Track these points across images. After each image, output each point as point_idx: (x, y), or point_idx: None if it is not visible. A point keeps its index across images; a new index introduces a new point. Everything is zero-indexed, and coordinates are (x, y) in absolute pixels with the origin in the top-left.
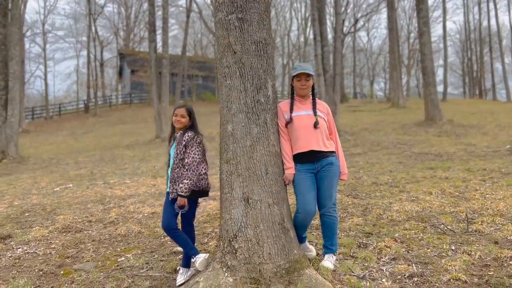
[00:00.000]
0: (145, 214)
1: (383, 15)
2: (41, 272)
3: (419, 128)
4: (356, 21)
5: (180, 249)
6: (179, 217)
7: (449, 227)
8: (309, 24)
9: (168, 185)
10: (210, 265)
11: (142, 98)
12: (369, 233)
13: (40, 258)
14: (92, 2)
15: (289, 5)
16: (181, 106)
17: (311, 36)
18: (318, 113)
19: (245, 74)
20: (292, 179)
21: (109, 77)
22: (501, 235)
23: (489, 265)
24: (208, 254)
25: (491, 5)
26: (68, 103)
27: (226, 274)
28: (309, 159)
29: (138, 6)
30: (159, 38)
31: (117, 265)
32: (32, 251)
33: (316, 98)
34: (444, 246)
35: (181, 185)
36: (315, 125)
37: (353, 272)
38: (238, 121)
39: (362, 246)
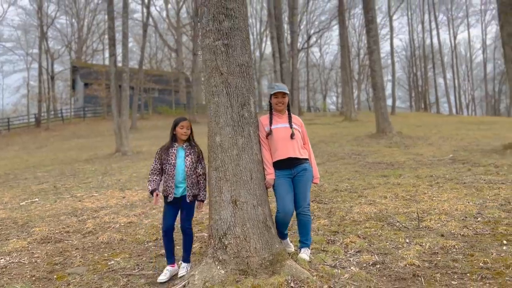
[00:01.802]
0: (122, 224)
1: (335, 32)
2: (33, 278)
3: (371, 140)
4: (309, 37)
5: None
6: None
7: (403, 224)
8: (264, 39)
9: (161, 190)
10: (203, 260)
11: (96, 112)
12: (335, 232)
13: (27, 266)
14: (44, 14)
15: None
16: (184, 118)
17: (267, 51)
18: (294, 126)
19: (231, 92)
20: (272, 183)
21: (60, 91)
22: (446, 229)
23: (437, 252)
24: (176, 268)
25: (433, 24)
26: (17, 117)
27: (218, 267)
28: (287, 166)
29: (91, 18)
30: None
31: (109, 268)
32: (16, 260)
33: (292, 114)
34: (400, 239)
35: (203, 193)
36: (292, 136)
37: (326, 262)
38: (225, 133)
39: (330, 242)
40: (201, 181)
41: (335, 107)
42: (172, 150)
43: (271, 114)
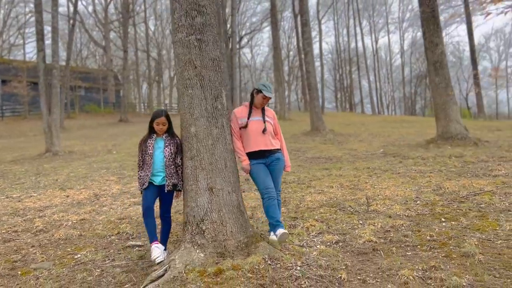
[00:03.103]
0: (74, 221)
1: (265, 34)
2: None
3: (307, 137)
4: (241, 38)
5: (133, 243)
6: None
7: (354, 209)
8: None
9: (145, 179)
10: (182, 245)
11: (16, 110)
12: (295, 218)
13: None
14: None
15: None
16: (160, 114)
17: None
18: (266, 118)
19: (205, 85)
20: (249, 169)
21: None
22: (392, 212)
23: (389, 230)
24: (166, 251)
25: (358, 29)
26: None
27: (197, 251)
28: (260, 156)
29: (7, 11)
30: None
31: (76, 261)
32: None
33: (265, 107)
34: (354, 221)
35: (180, 182)
36: (264, 131)
37: (294, 243)
38: (200, 124)
39: (292, 226)
40: (180, 172)
41: None
42: (150, 141)
43: (251, 107)
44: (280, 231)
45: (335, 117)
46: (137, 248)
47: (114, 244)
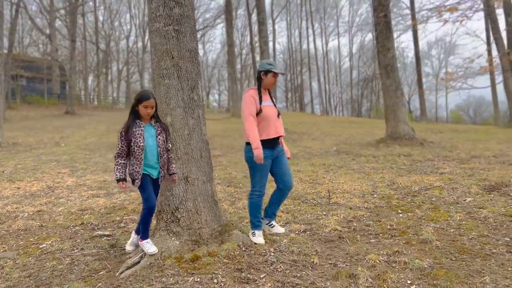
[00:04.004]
0: (31, 213)
1: (218, 30)
2: None
3: None
4: None
5: (101, 232)
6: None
7: (316, 201)
8: (147, 31)
9: (141, 169)
10: (156, 233)
11: None
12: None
13: None
14: None
15: (128, 11)
16: (149, 96)
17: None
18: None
19: (182, 76)
20: (263, 157)
21: None
22: (352, 204)
23: (352, 220)
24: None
25: (310, 31)
26: None
27: (172, 238)
28: (272, 145)
29: None
30: None
31: (42, 251)
32: None
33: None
34: (318, 212)
35: (173, 165)
36: (278, 115)
37: (265, 231)
38: (176, 114)
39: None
40: (170, 156)
41: (217, 105)
42: (137, 130)
43: (259, 90)
44: (279, 228)
45: (286, 116)
46: (105, 237)
47: (80, 234)
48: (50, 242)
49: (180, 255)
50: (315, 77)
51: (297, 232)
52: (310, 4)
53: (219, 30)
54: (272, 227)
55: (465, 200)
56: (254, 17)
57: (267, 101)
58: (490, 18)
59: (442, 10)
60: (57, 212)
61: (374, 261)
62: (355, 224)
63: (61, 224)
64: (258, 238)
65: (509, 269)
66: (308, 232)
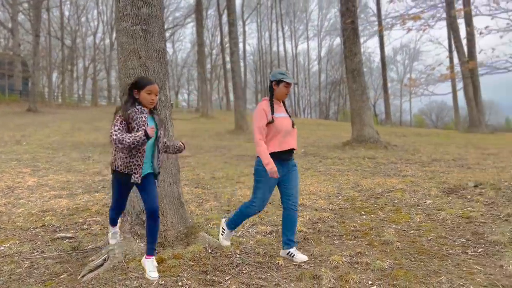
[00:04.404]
0: None
1: (188, 30)
2: None
3: (232, 135)
4: None
5: (63, 235)
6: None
7: None
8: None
9: (145, 168)
10: (121, 236)
11: None
12: (228, 211)
13: None
14: None
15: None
16: (151, 81)
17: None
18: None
19: (149, 76)
20: (276, 171)
21: None
22: (317, 205)
23: (317, 222)
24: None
25: (280, 33)
26: None
27: (137, 241)
28: (285, 158)
29: None
30: None
31: (0, 254)
32: None
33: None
34: None
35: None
36: (293, 126)
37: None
38: None
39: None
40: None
41: (186, 104)
42: (141, 116)
43: (272, 101)
44: (300, 256)
45: None
46: (67, 240)
47: (40, 237)
48: (8, 244)
49: None
50: None
51: (263, 233)
52: (280, 7)
53: (189, 30)
54: (292, 256)
55: (425, 202)
56: (224, 17)
57: (281, 113)
58: (452, 27)
59: (406, 18)
60: (17, 213)
61: (337, 262)
62: (320, 226)
63: (21, 226)
64: (225, 241)
65: (464, 269)
66: (274, 234)
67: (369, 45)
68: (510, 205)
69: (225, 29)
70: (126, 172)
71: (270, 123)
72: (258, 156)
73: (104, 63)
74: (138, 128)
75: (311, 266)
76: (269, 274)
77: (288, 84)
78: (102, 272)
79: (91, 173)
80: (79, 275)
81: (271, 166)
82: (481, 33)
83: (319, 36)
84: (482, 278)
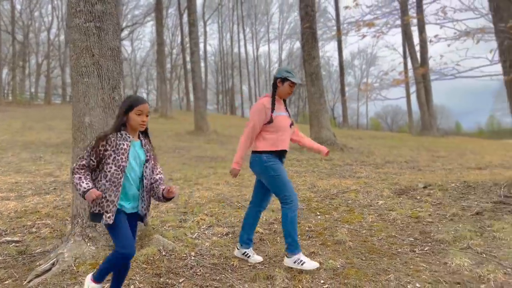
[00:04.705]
0: None
1: (148, 28)
2: None
3: (191, 136)
4: (121, 30)
5: (9, 238)
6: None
7: (241, 204)
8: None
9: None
10: (71, 238)
11: None
12: (185, 212)
13: None
14: None
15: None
16: (144, 100)
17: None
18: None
19: (103, 74)
20: (237, 174)
21: None
22: (274, 206)
23: (273, 223)
24: None
25: (241, 35)
26: None
27: (88, 244)
28: (283, 156)
29: None
30: None
31: None
32: None
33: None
34: (242, 215)
35: (162, 186)
36: (291, 125)
37: (187, 235)
38: (96, 114)
39: (183, 221)
40: (160, 177)
41: None
42: (122, 143)
43: (274, 98)
44: (311, 263)
45: (217, 119)
46: (14, 244)
47: None
48: None
49: (96, 261)
50: (245, 81)
51: (219, 235)
52: (241, 9)
53: (149, 28)
54: (248, 256)
55: (377, 202)
56: (185, 17)
57: (281, 111)
58: (406, 34)
59: (361, 25)
60: None
61: None
62: (276, 226)
63: None
64: (312, 262)
65: (411, 267)
66: (230, 235)
67: (328, 49)
68: (456, 205)
69: (186, 29)
70: (97, 210)
71: (269, 122)
72: (254, 152)
73: (58, 60)
74: (115, 157)
75: (265, 267)
76: (223, 275)
77: (293, 84)
78: (50, 277)
79: (42, 174)
80: (25, 280)
81: (237, 166)
82: (430, 41)
83: (280, 39)
84: (427, 275)
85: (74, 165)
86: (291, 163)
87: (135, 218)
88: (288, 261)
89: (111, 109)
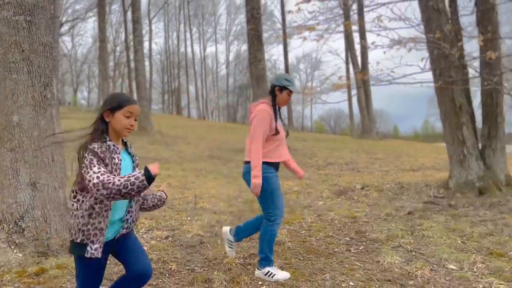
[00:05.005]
0: None
1: (90, 24)
2: None
3: (134, 137)
4: (61, 25)
5: None
6: None
7: (182, 207)
8: None
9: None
10: None
11: None
12: None
13: None
14: None
15: None
16: (133, 100)
17: None
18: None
19: (33, 71)
20: (260, 188)
21: None
22: (217, 208)
23: (215, 225)
24: None
25: (188, 35)
26: None
27: (15, 251)
28: (278, 167)
29: None
30: None
31: None
32: None
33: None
34: (183, 218)
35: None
36: (286, 136)
37: None
38: (25, 113)
39: None
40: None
41: (86, 103)
42: (115, 158)
43: (275, 108)
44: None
45: (162, 119)
46: None
47: None
48: None
49: (23, 268)
50: (192, 81)
51: (158, 239)
52: (188, 8)
53: (91, 24)
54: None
55: (317, 203)
56: (129, 14)
57: (277, 121)
58: (348, 40)
59: (302, 29)
60: None
61: (231, 265)
62: (217, 229)
63: None
64: (283, 273)
65: (346, 265)
66: (170, 239)
67: (275, 53)
68: (390, 206)
69: (130, 26)
70: (79, 240)
71: (275, 134)
72: (247, 162)
73: None
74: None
75: (204, 270)
76: (160, 280)
77: (291, 92)
78: None
79: None
80: None
81: (258, 180)
82: (368, 47)
83: (227, 40)
84: (361, 273)
85: (95, 179)
86: (236, 164)
87: (124, 237)
88: (258, 273)
89: (42, 108)
